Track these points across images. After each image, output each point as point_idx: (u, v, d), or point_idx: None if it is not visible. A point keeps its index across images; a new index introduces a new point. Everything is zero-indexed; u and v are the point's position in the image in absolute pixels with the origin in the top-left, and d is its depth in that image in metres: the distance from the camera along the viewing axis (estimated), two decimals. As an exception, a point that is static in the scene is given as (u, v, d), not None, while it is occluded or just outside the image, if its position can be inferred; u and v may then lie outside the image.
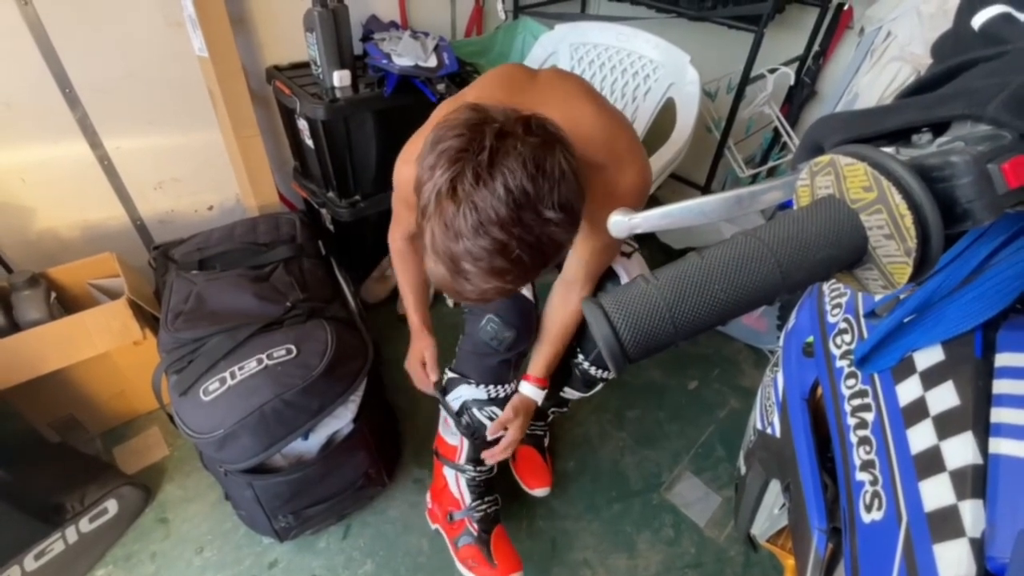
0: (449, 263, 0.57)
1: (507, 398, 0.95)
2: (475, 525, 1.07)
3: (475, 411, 0.96)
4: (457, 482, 1.09)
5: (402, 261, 1.00)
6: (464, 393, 0.96)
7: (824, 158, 0.36)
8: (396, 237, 0.99)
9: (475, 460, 1.05)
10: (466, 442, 1.03)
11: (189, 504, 1.19)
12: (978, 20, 0.41)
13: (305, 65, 1.42)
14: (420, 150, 0.70)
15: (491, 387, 0.94)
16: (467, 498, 1.08)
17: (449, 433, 1.07)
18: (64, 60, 1.15)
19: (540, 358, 0.94)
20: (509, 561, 1.04)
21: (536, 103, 0.71)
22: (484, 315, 0.90)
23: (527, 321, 0.91)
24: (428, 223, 0.57)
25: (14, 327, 1.08)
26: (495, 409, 0.95)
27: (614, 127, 0.75)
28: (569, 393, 1.08)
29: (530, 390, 0.95)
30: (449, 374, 0.98)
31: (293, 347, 0.99)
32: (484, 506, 1.08)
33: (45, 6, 1.09)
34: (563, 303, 0.90)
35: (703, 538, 1.19)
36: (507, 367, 0.93)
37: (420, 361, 1.02)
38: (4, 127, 1.14)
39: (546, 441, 1.31)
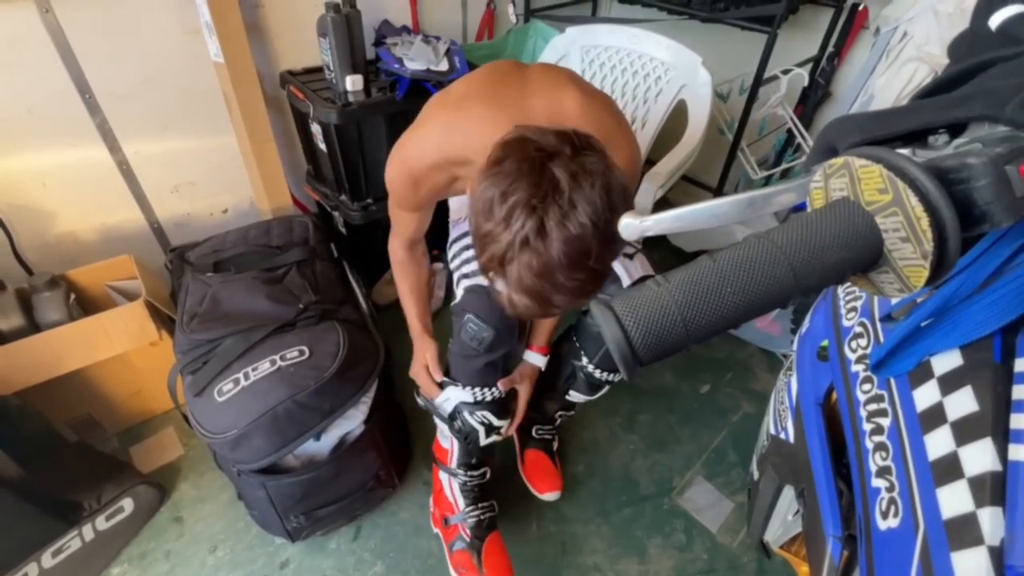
0: (538, 298, 0.60)
1: (495, 401, 0.95)
2: (467, 531, 1.06)
3: (467, 415, 0.95)
4: (451, 486, 1.09)
5: (403, 270, 1.01)
6: (452, 395, 0.95)
7: (838, 160, 0.35)
8: (396, 247, 0.99)
9: (466, 464, 1.05)
10: (457, 445, 1.03)
11: (203, 504, 1.21)
12: (995, 20, 0.41)
13: (318, 70, 1.44)
14: (410, 150, 0.80)
15: (476, 389, 0.93)
16: (460, 503, 1.08)
17: (443, 436, 1.07)
18: (84, 67, 1.18)
19: (537, 328, 1.02)
20: (499, 570, 1.02)
21: (523, 94, 0.75)
22: (465, 314, 0.90)
23: (507, 321, 0.88)
24: (510, 267, 0.58)
25: (34, 328, 1.10)
26: (486, 413, 0.95)
27: (601, 109, 0.77)
28: (574, 396, 1.07)
29: (534, 357, 1.03)
30: (442, 377, 0.99)
31: (306, 349, 1.00)
32: (477, 512, 1.07)
33: (66, 14, 1.11)
34: None
35: (715, 544, 1.18)
36: (492, 370, 0.93)
37: (424, 366, 1.00)
38: (25, 132, 1.17)
39: (555, 445, 1.30)
